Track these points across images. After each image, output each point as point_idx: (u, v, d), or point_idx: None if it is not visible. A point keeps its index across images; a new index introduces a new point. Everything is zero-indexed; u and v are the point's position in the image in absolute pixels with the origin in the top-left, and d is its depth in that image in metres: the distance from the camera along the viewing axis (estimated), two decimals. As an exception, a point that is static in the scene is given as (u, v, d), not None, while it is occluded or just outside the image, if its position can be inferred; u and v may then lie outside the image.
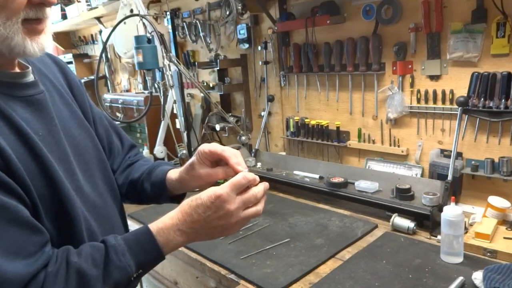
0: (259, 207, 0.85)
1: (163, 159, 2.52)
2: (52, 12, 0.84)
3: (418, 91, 1.69)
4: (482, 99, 1.48)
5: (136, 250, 0.78)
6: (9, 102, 0.78)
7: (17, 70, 0.84)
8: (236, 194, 0.81)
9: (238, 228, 0.85)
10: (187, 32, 2.66)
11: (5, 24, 0.72)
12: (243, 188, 0.82)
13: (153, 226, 0.82)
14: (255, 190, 0.84)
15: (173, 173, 1.03)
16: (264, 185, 0.86)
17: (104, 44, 2.59)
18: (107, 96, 3.15)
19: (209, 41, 2.57)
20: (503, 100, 1.43)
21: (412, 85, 1.71)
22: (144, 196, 1.06)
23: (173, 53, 2.18)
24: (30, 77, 0.86)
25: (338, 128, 2.00)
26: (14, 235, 0.68)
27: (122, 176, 1.09)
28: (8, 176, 0.70)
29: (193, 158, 0.97)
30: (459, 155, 1.60)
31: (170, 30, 2.26)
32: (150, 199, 1.08)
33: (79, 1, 3.15)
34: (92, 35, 3.94)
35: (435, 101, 1.65)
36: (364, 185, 1.63)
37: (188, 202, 0.84)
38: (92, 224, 0.87)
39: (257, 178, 0.85)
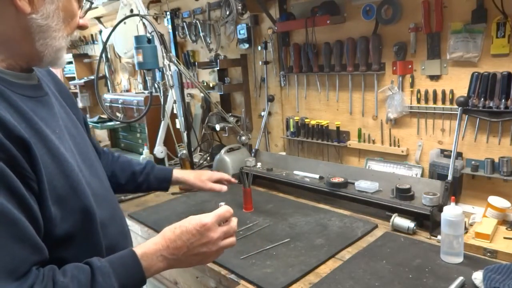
0: (234, 238, 0.94)
1: (163, 159, 2.52)
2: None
3: (418, 91, 1.69)
4: (482, 99, 1.48)
5: (120, 273, 0.80)
6: (28, 102, 0.79)
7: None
8: (218, 224, 0.90)
9: (215, 257, 0.93)
10: (187, 32, 2.66)
11: (66, 38, 0.83)
12: (225, 220, 0.92)
13: (138, 250, 0.84)
14: (233, 223, 0.93)
15: (177, 172, 1.43)
16: (236, 219, 0.96)
17: (104, 44, 2.59)
18: (107, 96, 3.15)
19: (209, 41, 2.57)
20: (503, 100, 1.43)
21: (412, 85, 1.71)
22: (145, 186, 1.37)
23: (173, 53, 2.18)
24: (36, 79, 0.88)
25: (338, 128, 2.00)
26: (15, 253, 0.68)
27: (115, 166, 1.30)
28: (36, 185, 0.72)
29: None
30: (459, 155, 1.60)
31: (170, 30, 2.26)
32: (151, 189, 1.44)
33: (79, 1, 3.14)
34: (92, 35, 3.94)
35: (435, 101, 1.65)
36: (364, 185, 1.63)
37: (171, 230, 0.87)
38: (104, 218, 0.89)
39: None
